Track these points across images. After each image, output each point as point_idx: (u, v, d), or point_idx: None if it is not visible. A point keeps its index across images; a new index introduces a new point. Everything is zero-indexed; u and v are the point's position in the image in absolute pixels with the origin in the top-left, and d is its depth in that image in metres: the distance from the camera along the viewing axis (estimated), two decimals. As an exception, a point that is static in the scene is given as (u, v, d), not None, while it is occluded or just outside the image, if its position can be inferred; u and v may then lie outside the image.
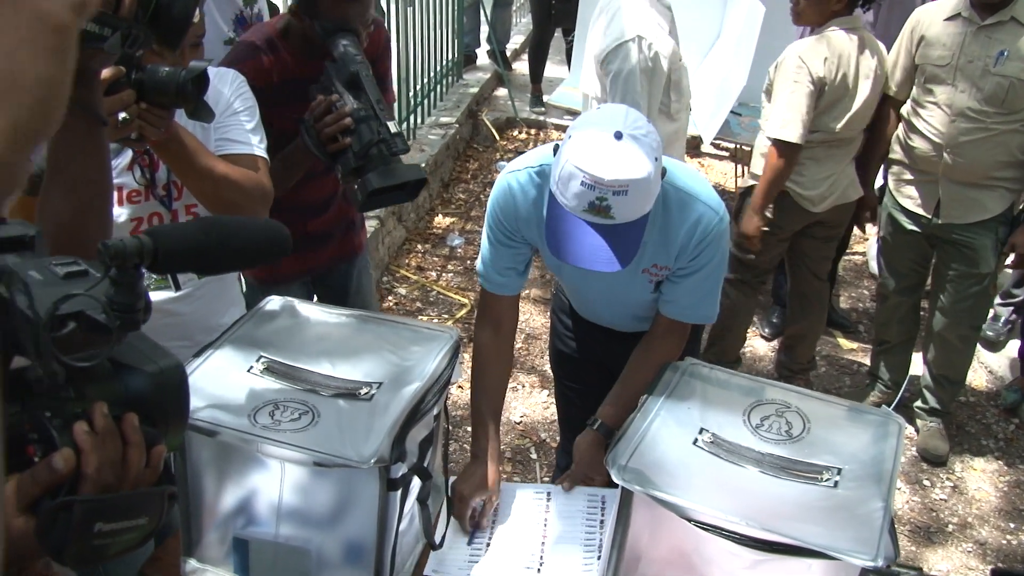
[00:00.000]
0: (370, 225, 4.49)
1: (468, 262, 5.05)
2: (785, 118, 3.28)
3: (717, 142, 6.17)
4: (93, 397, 0.97)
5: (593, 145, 1.75)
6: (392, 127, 2.20)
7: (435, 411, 1.88)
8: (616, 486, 1.67)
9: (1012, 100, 3.17)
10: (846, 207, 3.60)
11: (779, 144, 3.33)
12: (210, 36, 2.43)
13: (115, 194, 1.97)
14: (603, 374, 2.28)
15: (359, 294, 2.97)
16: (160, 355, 1.03)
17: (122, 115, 1.67)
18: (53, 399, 0.95)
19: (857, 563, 1.48)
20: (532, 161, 2.04)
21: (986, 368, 4.37)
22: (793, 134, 3.28)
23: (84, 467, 0.93)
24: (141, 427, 1.00)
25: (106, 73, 1.60)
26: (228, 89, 2.09)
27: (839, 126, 3.35)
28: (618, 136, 1.74)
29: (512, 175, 2.05)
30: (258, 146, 2.11)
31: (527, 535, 1.95)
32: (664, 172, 1.89)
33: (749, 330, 4.15)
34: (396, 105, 5.15)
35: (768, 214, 3.50)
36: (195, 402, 1.77)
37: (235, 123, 2.06)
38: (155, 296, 2.03)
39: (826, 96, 3.28)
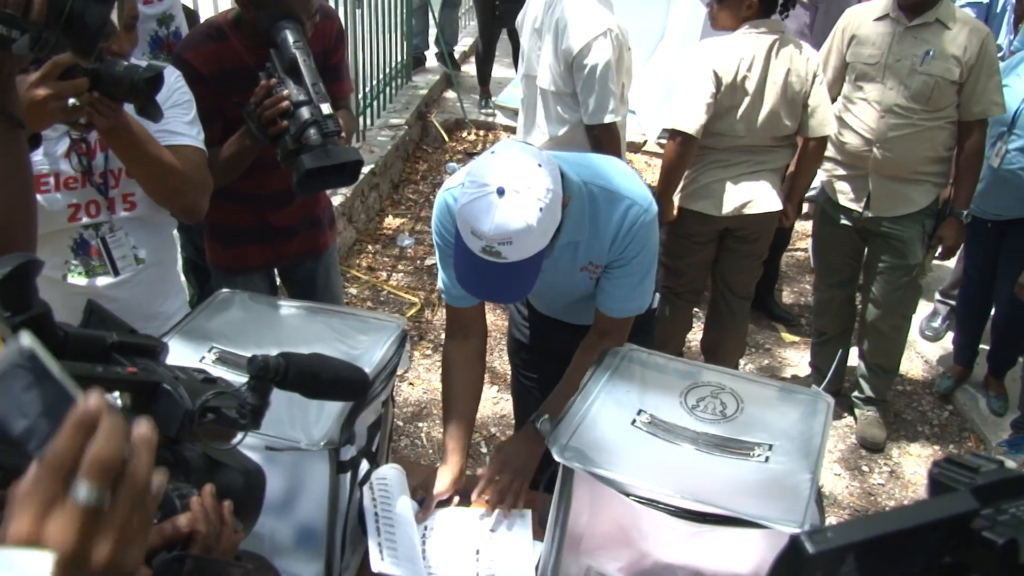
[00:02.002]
0: (320, 225, 4.52)
1: (418, 262, 5.10)
2: (681, 110, 3.26)
3: (662, 141, 6.30)
4: (196, 483, 1.16)
5: (476, 201, 1.79)
6: (325, 109, 2.24)
7: (383, 397, 1.93)
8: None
9: (937, 98, 3.31)
10: (758, 218, 3.45)
11: (675, 134, 3.29)
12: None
13: (51, 180, 2.01)
14: (560, 365, 2.34)
15: (327, 290, 3.02)
16: (245, 459, 1.25)
17: (72, 100, 1.71)
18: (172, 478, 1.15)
19: (785, 531, 1.55)
20: (465, 176, 2.09)
21: (922, 358, 4.52)
22: (688, 125, 3.23)
23: (195, 531, 1.14)
24: None
25: (63, 58, 1.65)
26: (166, 84, 2.11)
27: (743, 130, 3.30)
28: (500, 192, 1.77)
29: (448, 192, 2.10)
30: (196, 138, 2.15)
31: (472, 521, 2.01)
32: (568, 200, 1.93)
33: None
34: (345, 106, 5.19)
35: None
36: (147, 390, 1.82)
37: (174, 116, 2.10)
38: (99, 282, 2.07)
39: (724, 96, 3.24)
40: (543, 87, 3.42)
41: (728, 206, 3.40)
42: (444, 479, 2.06)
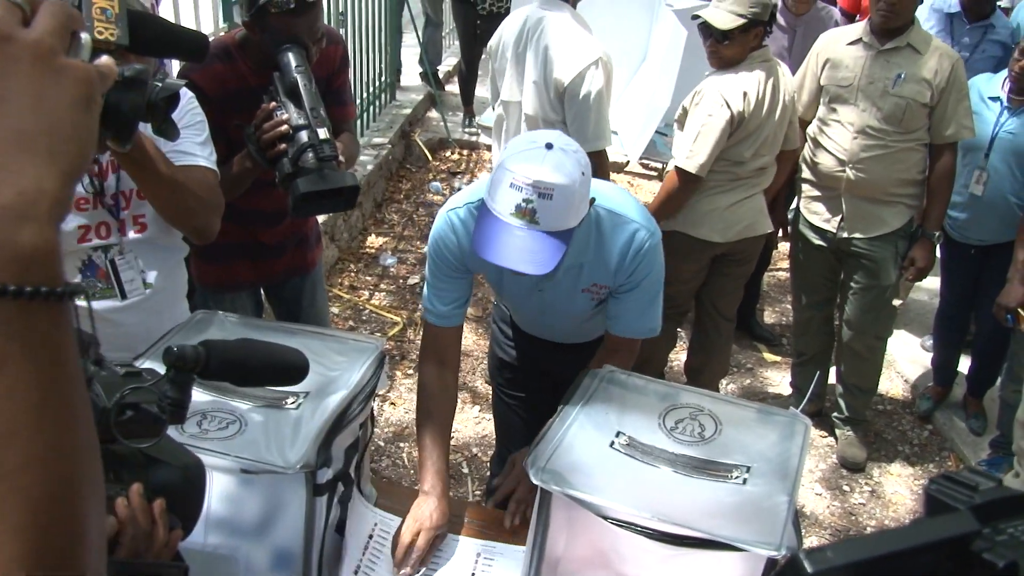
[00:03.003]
0: (302, 244, 4.51)
1: (400, 281, 5.10)
2: (693, 150, 3.26)
3: (644, 161, 6.33)
4: (128, 481, 1.11)
5: (525, 152, 1.85)
6: (323, 133, 2.24)
7: (360, 419, 1.92)
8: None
9: (909, 120, 3.36)
10: (755, 240, 3.51)
11: (681, 172, 3.29)
12: None
13: None
14: (545, 382, 2.35)
15: (313, 307, 3.01)
16: (184, 453, 1.20)
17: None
18: None
19: (762, 553, 1.56)
20: (469, 196, 2.10)
21: (902, 378, 4.54)
22: (696, 166, 3.25)
23: (121, 535, 1.09)
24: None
25: None
26: (180, 103, 2.11)
27: (750, 154, 3.33)
28: (549, 147, 1.84)
29: (452, 212, 2.11)
30: (208, 159, 2.15)
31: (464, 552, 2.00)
32: (593, 200, 1.98)
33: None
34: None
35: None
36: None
37: (187, 136, 2.09)
38: (99, 305, 2.05)
39: (742, 129, 3.27)
40: (528, 113, 3.41)
41: (731, 231, 3.42)
42: (432, 509, 2.00)
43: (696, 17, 3.32)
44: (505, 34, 3.56)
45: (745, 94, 3.23)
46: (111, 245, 2.07)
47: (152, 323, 2.19)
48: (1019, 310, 3.32)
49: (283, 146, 2.25)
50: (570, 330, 2.36)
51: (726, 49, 3.26)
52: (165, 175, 1.97)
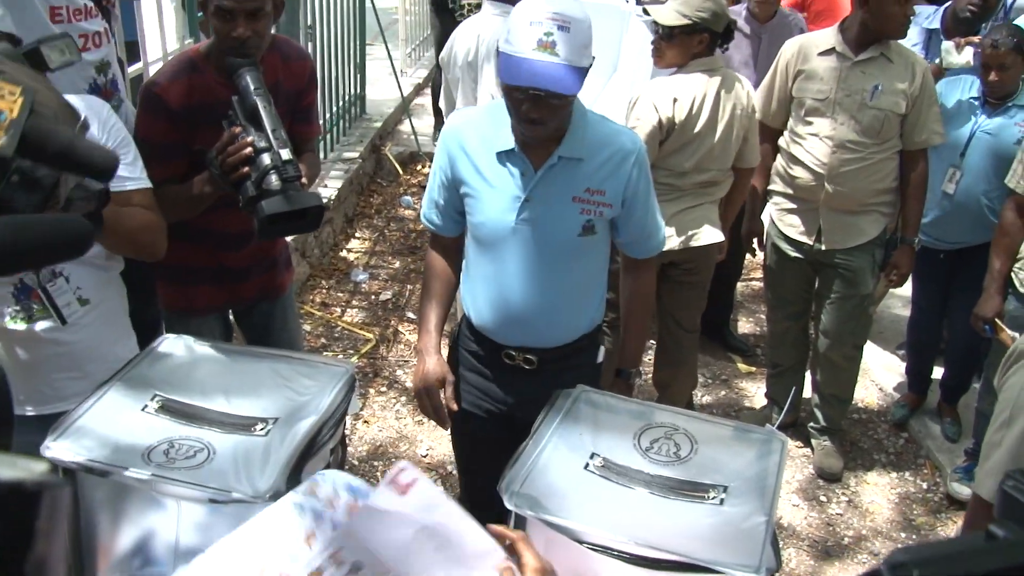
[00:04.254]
0: (273, 261, 4.46)
1: (373, 297, 5.06)
2: None
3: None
4: None
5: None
6: (285, 154, 2.23)
7: (331, 444, 1.89)
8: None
9: (887, 131, 3.37)
10: (702, 250, 3.46)
11: None
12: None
13: None
14: (509, 425, 2.32)
15: (285, 332, 2.95)
16: None
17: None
18: None
19: (740, 575, 1.54)
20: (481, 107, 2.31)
21: (876, 386, 4.55)
22: None
23: None
24: None
25: None
26: (98, 124, 2.05)
27: (690, 165, 3.31)
28: None
29: (463, 112, 2.32)
30: (142, 177, 2.14)
31: None
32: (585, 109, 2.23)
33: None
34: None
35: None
36: (88, 442, 1.77)
37: (120, 157, 2.05)
38: (39, 326, 2.01)
39: (675, 137, 3.26)
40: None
41: (676, 240, 3.40)
42: (429, 366, 2.33)
43: (646, 12, 3.34)
44: (456, 44, 3.55)
45: (675, 100, 3.23)
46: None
47: (95, 340, 2.16)
48: (996, 320, 3.32)
49: (246, 169, 2.23)
50: (550, 288, 2.28)
51: (667, 48, 3.30)
52: (119, 230, 1.97)
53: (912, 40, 4.16)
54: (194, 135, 2.41)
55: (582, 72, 2.01)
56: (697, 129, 3.26)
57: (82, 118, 1.32)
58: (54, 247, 1.17)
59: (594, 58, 2.09)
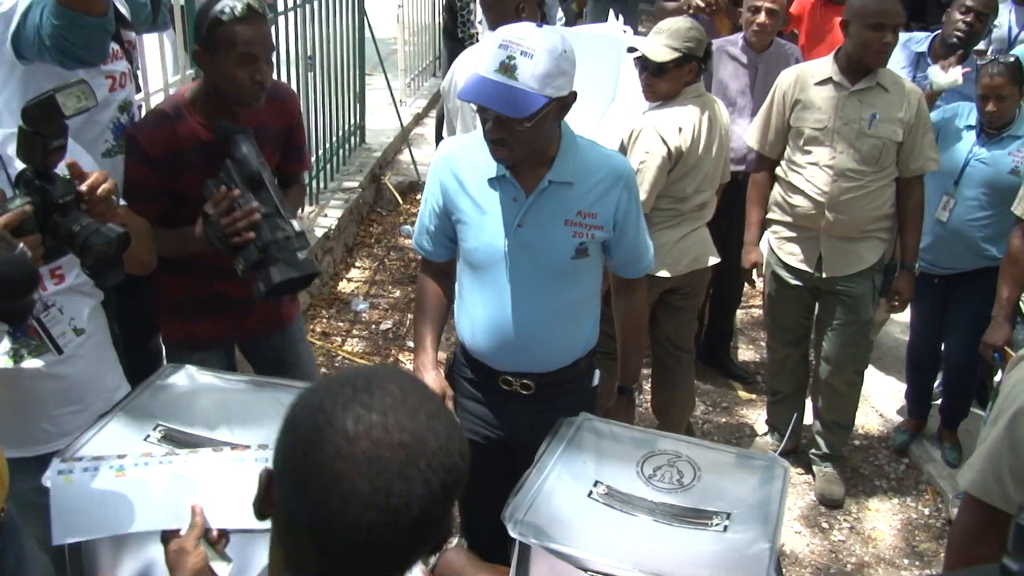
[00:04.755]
0: (273, 291, 4.47)
1: (373, 327, 5.06)
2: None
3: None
4: None
5: (516, 24, 2.10)
6: (296, 226, 2.33)
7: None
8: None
9: (884, 158, 3.41)
10: (700, 273, 3.53)
11: None
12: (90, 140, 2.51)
13: None
14: (508, 450, 2.33)
15: (298, 366, 2.93)
16: None
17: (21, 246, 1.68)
18: None
19: (745, 604, 1.54)
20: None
21: (877, 412, 4.54)
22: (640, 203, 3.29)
23: None
24: None
25: (11, 216, 1.66)
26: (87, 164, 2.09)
27: (691, 189, 3.37)
28: (539, 24, 2.09)
29: (454, 140, 2.36)
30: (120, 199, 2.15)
31: None
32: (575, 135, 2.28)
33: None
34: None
35: None
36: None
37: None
38: (38, 363, 2.01)
39: (682, 165, 3.32)
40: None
41: (679, 265, 3.43)
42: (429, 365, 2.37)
43: (632, 50, 3.38)
44: (456, 73, 3.57)
45: (680, 129, 3.29)
46: (32, 302, 2.02)
47: (92, 370, 2.18)
48: (1006, 348, 3.32)
49: (251, 235, 2.29)
50: (544, 309, 2.29)
51: (661, 83, 3.33)
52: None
53: (900, 63, 4.21)
54: (176, 179, 2.46)
55: (539, 99, 2.02)
56: (699, 154, 3.33)
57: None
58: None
59: (573, 94, 2.13)
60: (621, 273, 2.44)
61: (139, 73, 2.85)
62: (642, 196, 3.24)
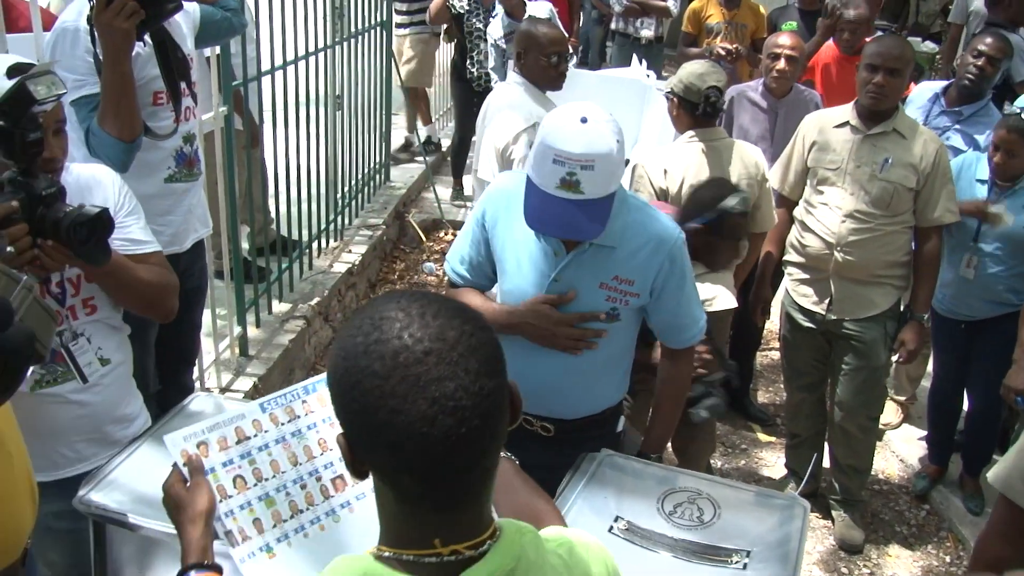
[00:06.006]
0: (296, 324, 4.52)
1: (394, 361, 5.08)
2: None
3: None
4: None
5: (562, 127, 1.98)
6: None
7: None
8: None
9: (896, 204, 3.42)
10: (719, 315, 3.45)
11: None
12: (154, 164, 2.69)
13: None
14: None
15: None
16: None
17: (8, 248, 1.75)
18: None
19: (764, 641, 1.55)
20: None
21: (897, 457, 4.52)
22: None
23: None
24: None
25: (2, 207, 1.74)
26: (113, 189, 2.17)
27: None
28: (583, 120, 1.97)
29: (515, 176, 2.28)
30: (154, 242, 2.21)
31: None
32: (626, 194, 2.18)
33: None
34: (324, 206, 5.26)
35: None
36: (118, 496, 1.80)
37: (131, 223, 2.16)
38: (63, 388, 2.05)
39: (673, 204, 3.28)
40: (481, 178, 3.54)
41: None
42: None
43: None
44: (490, 110, 3.69)
45: (666, 171, 3.36)
46: (62, 331, 2.07)
47: (114, 401, 2.21)
48: None
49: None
50: (569, 363, 2.26)
51: (674, 117, 3.49)
52: (129, 281, 2.05)
53: (917, 103, 4.26)
54: None
55: (609, 199, 2.01)
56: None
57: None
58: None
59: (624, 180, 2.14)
60: (662, 339, 2.39)
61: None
62: None
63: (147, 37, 2.59)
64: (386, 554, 1.04)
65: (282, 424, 1.75)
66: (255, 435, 1.72)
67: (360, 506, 1.73)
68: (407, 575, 1.03)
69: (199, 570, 1.44)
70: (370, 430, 1.00)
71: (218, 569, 1.47)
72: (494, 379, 1.03)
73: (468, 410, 0.98)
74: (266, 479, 1.69)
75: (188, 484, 1.58)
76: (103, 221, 1.86)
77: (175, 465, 1.62)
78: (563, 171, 1.94)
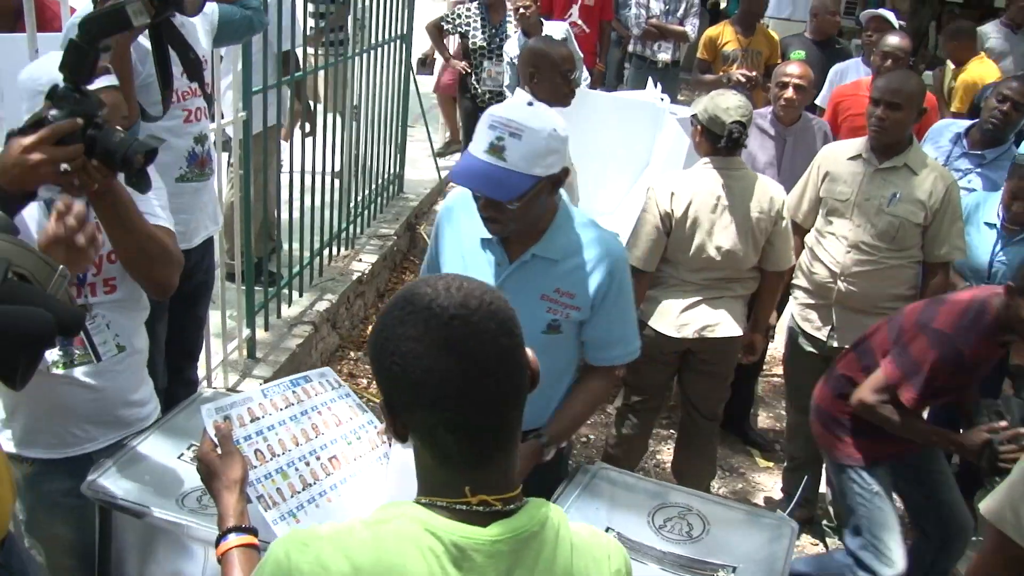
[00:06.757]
0: (304, 330, 4.58)
1: (399, 370, 5.12)
2: (631, 242, 3.43)
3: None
4: None
5: (510, 102, 2.15)
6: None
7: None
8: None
9: (902, 238, 3.47)
10: (721, 343, 3.50)
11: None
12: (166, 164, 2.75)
13: None
14: None
15: None
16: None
17: (64, 166, 1.75)
18: None
19: (745, 655, 1.59)
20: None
21: (894, 488, 4.53)
22: (634, 259, 3.35)
23: None
24: None
25: (62, 125, 1.72)
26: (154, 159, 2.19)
27: (701, 262, 3.41)
28: (530, 104, 2.09)
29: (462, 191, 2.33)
30: (169, 221, 2.24)
31: None
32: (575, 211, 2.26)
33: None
34: (335, 215, 5.32)
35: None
36: (125, 484, 1.85)
37: (152, 198, 2.18)
38: (78, 371, 2.09)
39: (679, 230, 3.38)
40: None
41: (686, 329, 3.46)
42: None
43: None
44: None
45: (673, 195, 3.38)
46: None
47: (126, 387, 2.24)
48: None
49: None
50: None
51: (701, 137, 3.49)
52: (134, 221, 2.04)
53: (936, 141, 4.30)
54: None
55: (527, 180, 2.03)
56: (697, 225, 3.37)
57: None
58: (16, 339, 1.36)
59: (565, 170, 2.13)
60: (588, 356, 2.37)
61: (215, 96, 3.09)
62: (637, 251, 3.39)
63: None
64: (424, 501, 1.18)
65: (280, 409, 1.89)
66: (263, 416, 1.85)
67: (345, 489, 1.82)
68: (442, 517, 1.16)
69: (238, 533, 1.53)
70: (409, 389, 1.15)
71: (255, 532, 1.55)
72: (511, 339, 1.19)
73: (491, 363, 1.14)
74: (278, 455, 1.81)
75: (220, 453, 1.65)
76: (156, 153, 1.88)
77: (205, 433, 1.69)
78: (493, 135, 2.02)
